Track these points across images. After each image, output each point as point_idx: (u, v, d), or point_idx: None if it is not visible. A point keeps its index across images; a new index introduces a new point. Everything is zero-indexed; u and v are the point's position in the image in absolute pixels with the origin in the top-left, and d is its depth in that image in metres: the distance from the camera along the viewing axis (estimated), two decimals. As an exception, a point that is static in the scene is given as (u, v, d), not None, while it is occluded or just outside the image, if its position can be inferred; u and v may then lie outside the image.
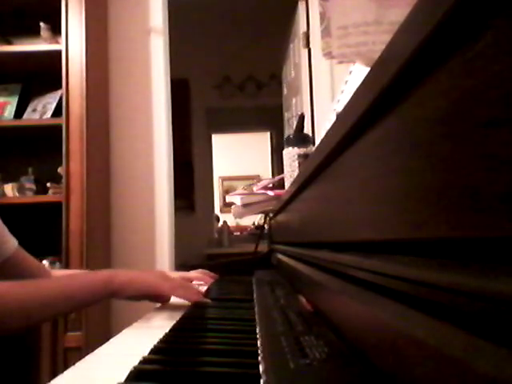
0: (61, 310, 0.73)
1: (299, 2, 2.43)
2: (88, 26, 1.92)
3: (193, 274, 1.14)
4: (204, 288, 1.02)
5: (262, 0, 3.80)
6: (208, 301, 0.78)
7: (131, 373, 0.38)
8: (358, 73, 0.88)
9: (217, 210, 4.94)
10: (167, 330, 0.56)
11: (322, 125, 1.51)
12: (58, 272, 1.11)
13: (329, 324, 0.46)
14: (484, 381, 0.16)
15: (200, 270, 1.17)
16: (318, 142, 0.69)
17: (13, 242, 0.95)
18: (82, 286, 0.72)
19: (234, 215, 1.50)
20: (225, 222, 4.44)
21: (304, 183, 0.62)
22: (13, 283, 0.65)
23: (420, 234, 0.24)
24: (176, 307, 0.77)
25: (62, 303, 0.69)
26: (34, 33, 2.02)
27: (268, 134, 5.07)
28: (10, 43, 2.08)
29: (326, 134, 0.47)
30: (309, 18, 2.34)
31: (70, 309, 0.79)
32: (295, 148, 1.26)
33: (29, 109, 2.10)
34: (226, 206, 5.02)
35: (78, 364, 0.45)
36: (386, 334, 0.27)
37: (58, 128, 1.86)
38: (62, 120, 1.87)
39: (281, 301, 0.70)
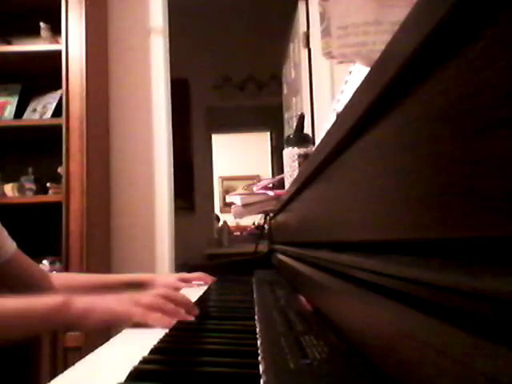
0: None
1: (299, 2, 2.43)
2: (88, 26, 1.92)
3: (193, 274, 1.14)
4: (204, 288, 1.02)
5: (261, 0, 3.80)
6: (190, 318, 0.64)
7: (131, 373, 0.38)
8: (358, 73, 0.88)
9: (217, 210, 4.94)
10: (167, 330, 0.56)
11: (322, 125, 1.51)
12: (58, 275, 1.10)
13: (329, 324, 0.46)
14: (484, 380, 0.16)
15: (199, 273, 1.17)
16: (318, 142, 0.69)
17: (11, 245, 0.94)
18: (29, 312, 0.62)
19: (234, 215, 1.49)
20: (225, 222, 4.44)
21: (304, 183, 0.62)
22: None
23: (420, 234, 0.24)
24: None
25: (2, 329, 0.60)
26: (34, 33, 2.02)
27: (268, 134, 5.07)
28: (9, 43, 2.07)
29: (326, 133, 0.47)
30: (309, 17, 2.34)
31: (10, 337, 0.64)
32: (295, 148, 1.25)
33: (29, 109, 2.09)
34: (226, 206, 5.01)
35: (77, 364, 0.44)
36: (386, 333, 0.27)
37: (58, 128, 1.86)
38: (62, 120, 1.87)
39: (281, 301, 0.70)
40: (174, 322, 0.61)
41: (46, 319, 0.63)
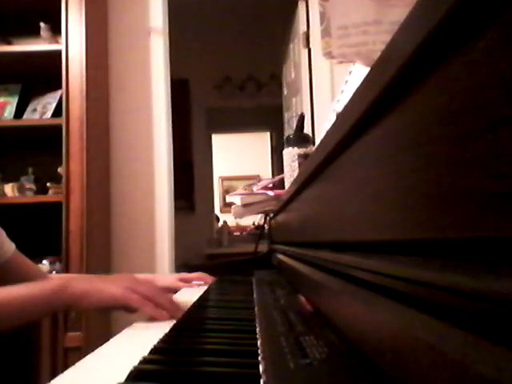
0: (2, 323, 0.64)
1: (299, 2, 2.43)
2: (88, 26, 1.92)
3: (193, 274, 1.14)
4: (204, 288, 1.02)
5: (261, 0, 3.80)
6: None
7: (131, 373, 0.38)
8: (358, 73, 0.88)
9: (217, 210, 4.94)
10: (167, 330, 0.56)
11: (322, 125, 1.51)
12: (57, 276, 1.10)
13: (329, 324, 0.46)
14: (484, 381, 0.16)
15: (199, 273, 1.17)
16: (318, 142, 0.69)
17: (10, 246, 0.94)
18: (28, 297, 0.64)
19: (234, 215, 1.49)
20: (225, 222, 4.44)
21: (304, 183, 0.62)
22: None
23: (420, 234, 0.24)
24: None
25: (4, 316, 0.63)
26: (34, 33, 2.02)
27: (268, 134, 5.07)
28: (9, 43, 2.08)
29: (326, 133, 0.47)
30: (309, 17, 2.34)
31: (12, 324, 0.66)
32: (295, 148, 1.25)
33: (29, 109, 2.10)
34: (226, 206, 5.01)
35: (78, 364, 0.44)
36: (386, 333, 0.27)
37: (58, 128, 1.86)
38: (62, 120, 1.87)
39: (281, 301, 0.70)
40: (167, 316, 0.64)
41: (44, 303, 0.65)
